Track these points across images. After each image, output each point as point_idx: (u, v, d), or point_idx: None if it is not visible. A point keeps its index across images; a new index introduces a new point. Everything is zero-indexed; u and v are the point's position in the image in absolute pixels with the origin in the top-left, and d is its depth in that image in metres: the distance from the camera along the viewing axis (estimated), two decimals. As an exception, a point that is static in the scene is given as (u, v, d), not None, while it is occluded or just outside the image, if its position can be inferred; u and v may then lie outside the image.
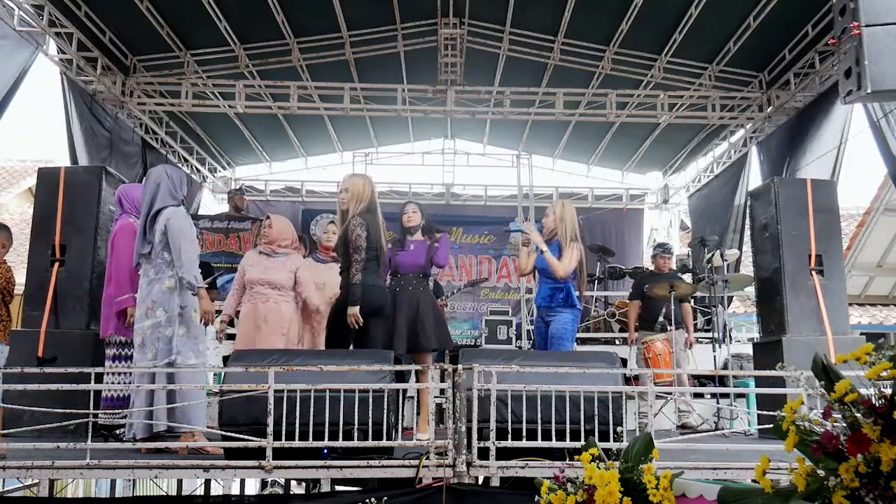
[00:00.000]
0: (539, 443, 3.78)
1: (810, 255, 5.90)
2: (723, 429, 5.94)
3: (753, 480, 2.11)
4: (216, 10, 7.69)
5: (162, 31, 7.94)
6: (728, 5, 7.45)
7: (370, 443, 3.76)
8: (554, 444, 3.77)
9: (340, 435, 3.73)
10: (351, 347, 4.76)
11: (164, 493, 6.20)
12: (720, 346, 6.82)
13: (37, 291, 5.49)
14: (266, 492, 6.15)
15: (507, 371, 3.86)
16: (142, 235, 4.46)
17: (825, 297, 5.82)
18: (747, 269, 9.22)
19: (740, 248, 9.35)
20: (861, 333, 6.90)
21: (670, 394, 6.25)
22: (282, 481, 5.95)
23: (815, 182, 6.19)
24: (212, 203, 12.05)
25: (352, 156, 11.05)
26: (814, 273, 5.88)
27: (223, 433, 3.81)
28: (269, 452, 3.65)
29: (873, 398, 1.61)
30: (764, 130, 9.10)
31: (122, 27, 7.92)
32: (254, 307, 5.08)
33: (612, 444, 3.11)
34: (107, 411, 4.56)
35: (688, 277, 8.57)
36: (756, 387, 6.25)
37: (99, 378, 4.13)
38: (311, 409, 3.72)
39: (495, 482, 3.93)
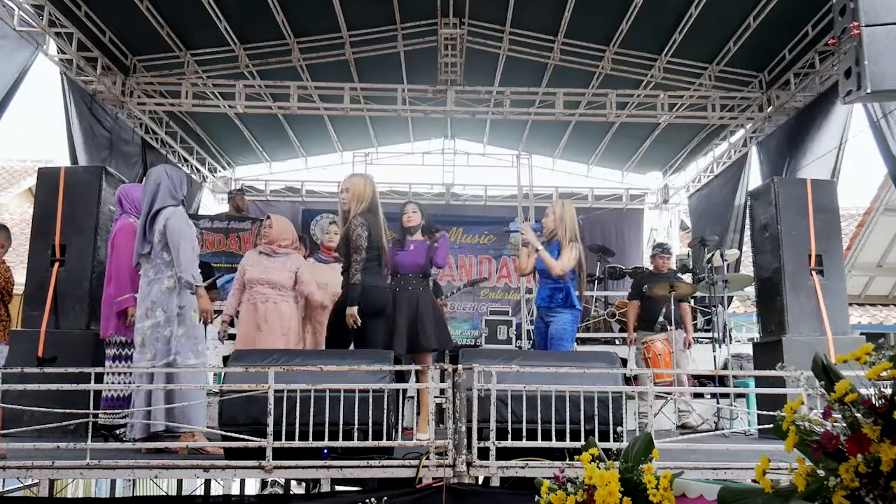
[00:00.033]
0: (539, 443, 3.78)
1: (810, 255, 5.90)
2: (723, 429, 5.94)
3: (753, 480, 2.11)
4: (216, 10, 7.69)
5: (162, 31, 7.94)
6: (728, 5, 7.44)
7: (370, 443, 3.76)
8: (554, 444, 3.76)
9: (340, 435, 3.72)
10: (351, 347, 4.77)
11: (164, 493, 6.20)
12: (720, 346, 6.82)
13: (37, 291, 5.49)
14: (266, 492, 6.15)
15: (507, 371, 3.86)
16: (142, 235, 4.46)
17: (825, 297, 5.82)
18: (747, 269, 9.22)
19: (740, 248, 9.35)
20: (861, 333, 6.90)
21: (670, 394, 6.25)
22: (282, 481, 5.95)
23: (815, 182, 6.19)
24: (212, 203, 12.04)
25: (352, 156, 11.05)
26: (814, 273, 5.88)
27: (223, 433, 3.81)
28: (269, 452, 3.65)
29: (873, 398, 1.61)
30: (764, 130, 9.10)
31: (122, 27, 7.92)
32: (254, 307, 5.08)
33: (612, 444, 3.10)
34: (107, 411, 4.56)
35: (688, 277, 8.56)
36: (756, 387, 6.25)
37: (99, 378, 4.13)
38: (311, 409, 3.72)
39: (495, 482, 3.93)
